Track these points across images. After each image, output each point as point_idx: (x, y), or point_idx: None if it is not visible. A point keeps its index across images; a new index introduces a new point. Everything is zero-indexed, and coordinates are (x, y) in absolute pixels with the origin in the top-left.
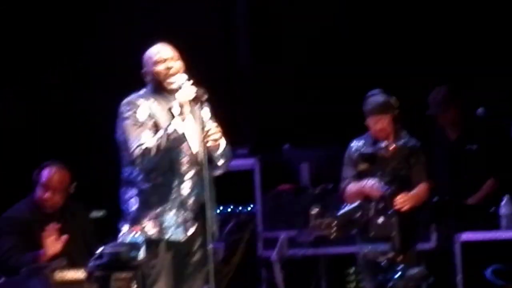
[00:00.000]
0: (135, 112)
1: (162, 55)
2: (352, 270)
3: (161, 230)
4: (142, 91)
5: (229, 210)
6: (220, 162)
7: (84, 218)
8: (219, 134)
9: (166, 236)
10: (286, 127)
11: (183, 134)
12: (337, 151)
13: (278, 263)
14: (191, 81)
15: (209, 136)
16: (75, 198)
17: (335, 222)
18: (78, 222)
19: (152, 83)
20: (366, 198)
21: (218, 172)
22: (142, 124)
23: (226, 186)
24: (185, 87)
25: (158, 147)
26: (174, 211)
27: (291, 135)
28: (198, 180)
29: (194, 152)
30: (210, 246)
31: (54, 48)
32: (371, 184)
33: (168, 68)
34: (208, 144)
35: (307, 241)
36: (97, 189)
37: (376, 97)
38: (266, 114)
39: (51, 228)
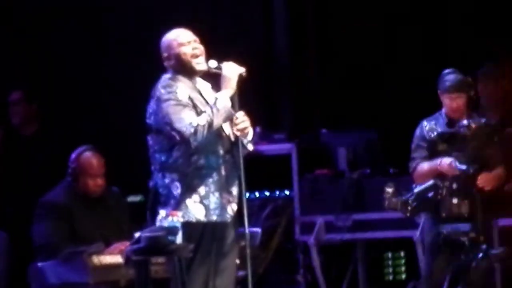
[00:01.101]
0: (175, 94)
1: (187, 37)
2: (389, 254)
3: (208, 212)
4: (168, 75)
5: (266, 194)
6: (250, 147)
7: (121, 202)
8: (247, 123)
9: (214, 218)
10: (324, 111)
11: (240, 113)
12: (374, 136)
13: (316, 247)
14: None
15: (237, 124)
16: (111, 183)
17: (411, 200)
18: (115, 207)
19: (177, 66)
20: (439, 176)
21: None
22: (186, 105)
23: (263, 171)
24: (228, 65)
25: (211, 123)
26: (217, 193)
27: (329, 119)
28: (232, 161)
29: (227, 133)
30: (247, 231)
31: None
32: (447, 162)
33: (194, 49)
34: (237, 133)
35: (345, 226)
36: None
37: (453, 75)
38: (304, 98)
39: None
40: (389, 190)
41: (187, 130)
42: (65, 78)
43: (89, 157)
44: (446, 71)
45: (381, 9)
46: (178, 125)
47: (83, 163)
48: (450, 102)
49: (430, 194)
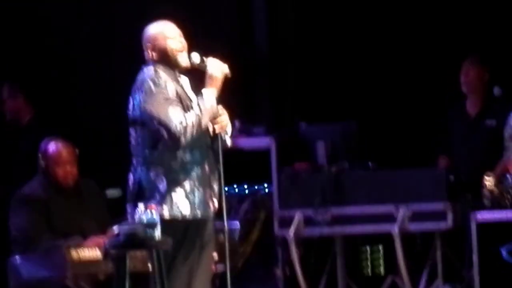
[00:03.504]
0: (164, 88)
1: (174, 31)
2: (367, 249)
3: (192, 207)
4: (151, 67)
5: (245, 188)
6: (228, 142)
7: (98, 195)
8: (226, 117)
9: (198, 213)
10: (302, 104)
11: (218, 107)
12: (353, 128)
13: (294, 241)
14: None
15: (216, 119)
16: (88, 176)
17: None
18: (92, 200)
19: (160, 59)
20: None
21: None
22: (173, 101)
23: (242, 165)
24: (212, 62)
25: (199, 123)
26: (201, 188)
27: (307, 112)
28: (213, 156)
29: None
30: (226, 225)
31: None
32: None
33: (180, 44)
34: (216, 127)
35: (323, 220)
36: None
37: None
38: (282, 92)
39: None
40: (488, 179)
41: (177, 129)
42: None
43: (54, 146)
44: None
45: (362, 3)
46: (167, 122)
47: (50, 153)
48: None
49: None
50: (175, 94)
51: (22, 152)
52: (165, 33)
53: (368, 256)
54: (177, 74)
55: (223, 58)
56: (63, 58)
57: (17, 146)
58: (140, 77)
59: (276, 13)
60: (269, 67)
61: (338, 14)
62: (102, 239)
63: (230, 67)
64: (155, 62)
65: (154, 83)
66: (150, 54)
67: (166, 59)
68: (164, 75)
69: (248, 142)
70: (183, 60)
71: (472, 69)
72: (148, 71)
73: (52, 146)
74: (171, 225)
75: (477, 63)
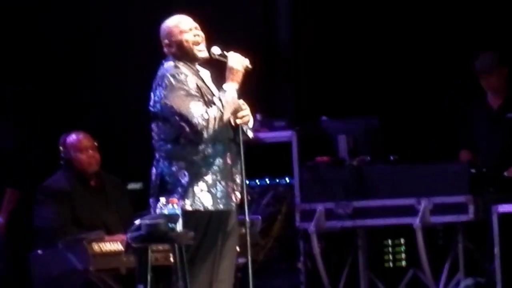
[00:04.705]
0: (185, 83)
1: (188, 24)
2: (389, 242)
3: (215, 201)
4: (171, 63)
5: (266, 182)
6: (250, 134)
7: (121, 190)
8: (247, 111)
9: (220, 207)
10: (325, 98)
11: (240, 101)
12: (374, 122)
13: (316, 235)
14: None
15: (237, 112)
16: (111, 170)
17: None
18: (115, 194)
19: (179, 53)
20: None
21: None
22: (195, 95)
23: (263, 158)
24: (233, 55)
25: (221, 117)
26: (223, 181)
27: (330, 106)
28: (235, 149)
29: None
30: (247, 218)
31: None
32: None
33: (196, 36)
34: (237, 121)
35: (345, 213)
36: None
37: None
38: (304, 85)
39: None
40: None
41: (199, 122)
42: (64, 65)
43: (74, 135)
44: None
45: None
46: (189, 116)
47: (70, 141)
48: None
49: None
50: (196, 88)
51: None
52: (180, 26)
53: (390, 249)
54: (197, 67)
55: (246, 52)
56: (84, 53)
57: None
58: (160, 72)
59: (299, 6)
60: (292, 61)
61: (360, 9)
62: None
63: (252, 61)
64: (174, 57)
65: (174, 77)
66: (168, 49)
67: (184, 53)
68: (184, 69)
69: (270, 136)
70: (201, 52)
71: (494, 76)
72: (168, 66)
73: (72, 136)
74: (193, 217)
75: (497, 67)
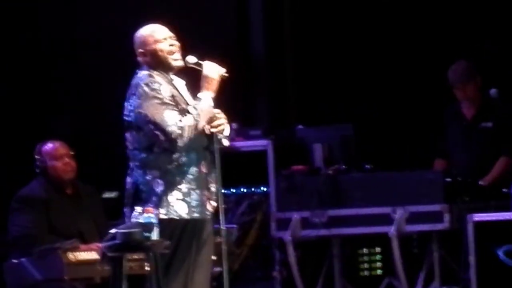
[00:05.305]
0: (159, 91)
1: (163, 33)
2: (365, 250)
3: (190, 209)
4: (145, 72)
5: (242, 191)
6: (225, 143)
7: (96, 198)
8: (223, 120)
9: (195, 215)
10: (300, 107)
11: (215, 110)
12: (349, 131)
13: (291, 243)
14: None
15: (213, 122)
16: (86, 179)
17: None
18: (90, 203)
19: (153, 62)
20: None
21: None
22: (169, 104)
23: (239, 167)
24: (208, 64)
25: (196, 125)
26: (198, 190)
27: (305, 115)
28: (210, 158)
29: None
30: (223, 227)
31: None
32: None
33: (171, 45)
34: (212, 130)
35: (320, 222)
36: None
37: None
38: (280, 94)
39: None
40: None
41: (174, 131)
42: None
43: (49, 143)
44: None
45: (358, 6)
46: (163, 125)
47: (46, 150)
48: None
49: None
50: (170, 97)
51: None
52: (155, 36)
53: (366, 258)
54: (172, 76)
55: (221, 61)
56: (56, 62)
57: None
58: (134, 81)
59: (273, 16)
60: (267, 70)
61: (335, 17)
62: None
63: (228, 70)
64: (148, 66)
65: (148, 86)
66: (142, 58)
67: (159, 62)
68: (158, 78)
69: (246, 145)
70: (176, 61)
71: (469, 86)
72: (142, 75)
73: (47, 144)
74: (168, 225)
75: (470, 77)
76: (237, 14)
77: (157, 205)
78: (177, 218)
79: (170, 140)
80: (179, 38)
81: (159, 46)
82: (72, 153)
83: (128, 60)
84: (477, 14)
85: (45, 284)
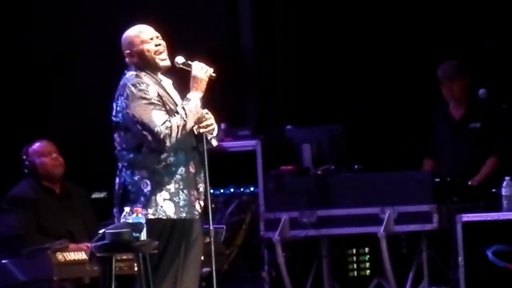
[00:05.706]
0: (146, 92)
1: (150, 34)
2: (353, 251)
3: (177, 209)
4: (133, 72)
5: (231, 191)
6: (214, 143)
7: (85, 199)
8: (211, 120)
9: (183, 215)
10: (289, 108)
11: (204, 111)
12: (339, 131)
13: (280, 244)
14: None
15: (201, 122)
16: (75, 179)
17: None
18: (79, 203)
19: (140, 63)
20: None
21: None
22: (157, 104)
23: (228, 167)
24: (197, 65)
25: (184, 126)
26: (186, 190)
27: (294, 115)
28: (199, 158)
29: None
30: (212, 227)
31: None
32: None
33: (157, 45)
34: (201, 130)
35: (309, 222)
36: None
37: None
38: (269, 95)
39: None
40: None
41: (162, 131)
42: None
43: (36, 143)
44: None
45: (348, 6)
46: (151, 125)
47: (33, 148)
48: None
49: None
50: (157, 97)
51: None
52: (141, 36)
53: (354, 258)
54: (160, 76)
55: (209, 61)
56: (47, 63)
57: None
58: (121, 82)
59: (263, 16)
60: (256, 71)
61: (325, 17)
62: (89, 247)
63: (216, 70)
64: (136, 67)
65: (135, 87)
66: (130, 59)
67: (146, 63)
68: (145, 79)
69: (234, 145)
70: (163, 61)
71: (456, 83)
72: (129, 75)
73: (34, 144)
74: (156, 225)
75: (459, 74)
76: (227, 13)
77: (145, 205)
78: (165, 218)
79: (158, 140)
80: (168, 37)
81: (146, 47)
82: (59, 151)
83: (117, 60)
84: (473, 12)
85: (34, 284)
